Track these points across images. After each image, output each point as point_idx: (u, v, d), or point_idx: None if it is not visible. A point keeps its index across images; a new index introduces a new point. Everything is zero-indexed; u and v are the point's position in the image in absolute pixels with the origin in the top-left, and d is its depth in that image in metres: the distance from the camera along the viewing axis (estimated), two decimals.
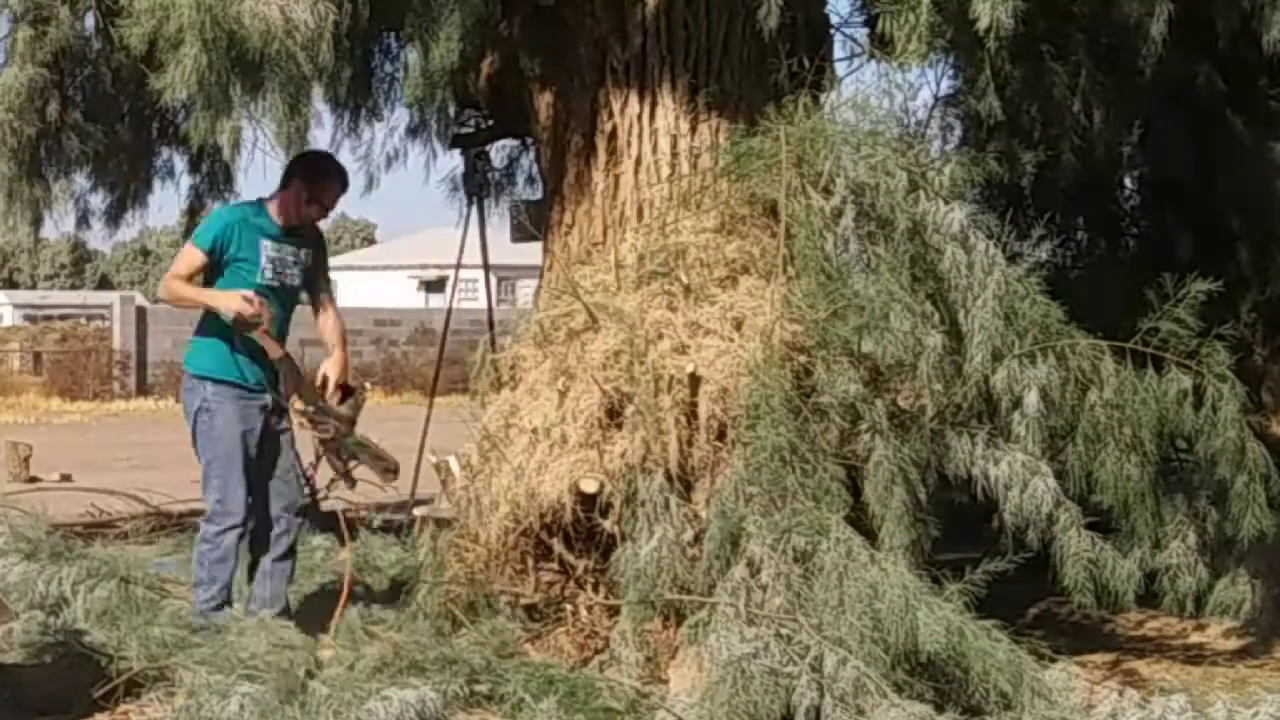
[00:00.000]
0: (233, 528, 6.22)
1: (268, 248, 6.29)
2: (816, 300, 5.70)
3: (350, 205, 79.08)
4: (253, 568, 6.43)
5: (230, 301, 6.13)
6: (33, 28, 7.43)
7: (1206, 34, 7.16)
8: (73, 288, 60.88)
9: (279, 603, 6.34)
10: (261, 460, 6.34)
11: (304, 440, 6.47)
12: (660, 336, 5.93)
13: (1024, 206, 7.91)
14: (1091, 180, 7.92)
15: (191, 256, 6.24)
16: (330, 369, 6.43)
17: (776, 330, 5.70)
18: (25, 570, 6.67)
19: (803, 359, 5.70)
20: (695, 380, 5.77)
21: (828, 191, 5.87)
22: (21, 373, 29.01)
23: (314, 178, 6.37)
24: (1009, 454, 5.61)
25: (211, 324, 6.27)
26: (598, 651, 5.77)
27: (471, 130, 8.38)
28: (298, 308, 6.61)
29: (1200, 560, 6.02)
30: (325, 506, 8.63)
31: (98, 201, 8.91)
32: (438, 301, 39.61)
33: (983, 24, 5.69)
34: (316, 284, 6.61)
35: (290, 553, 6.43)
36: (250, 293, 6.16)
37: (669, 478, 5.62)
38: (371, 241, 68.67)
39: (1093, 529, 5.63)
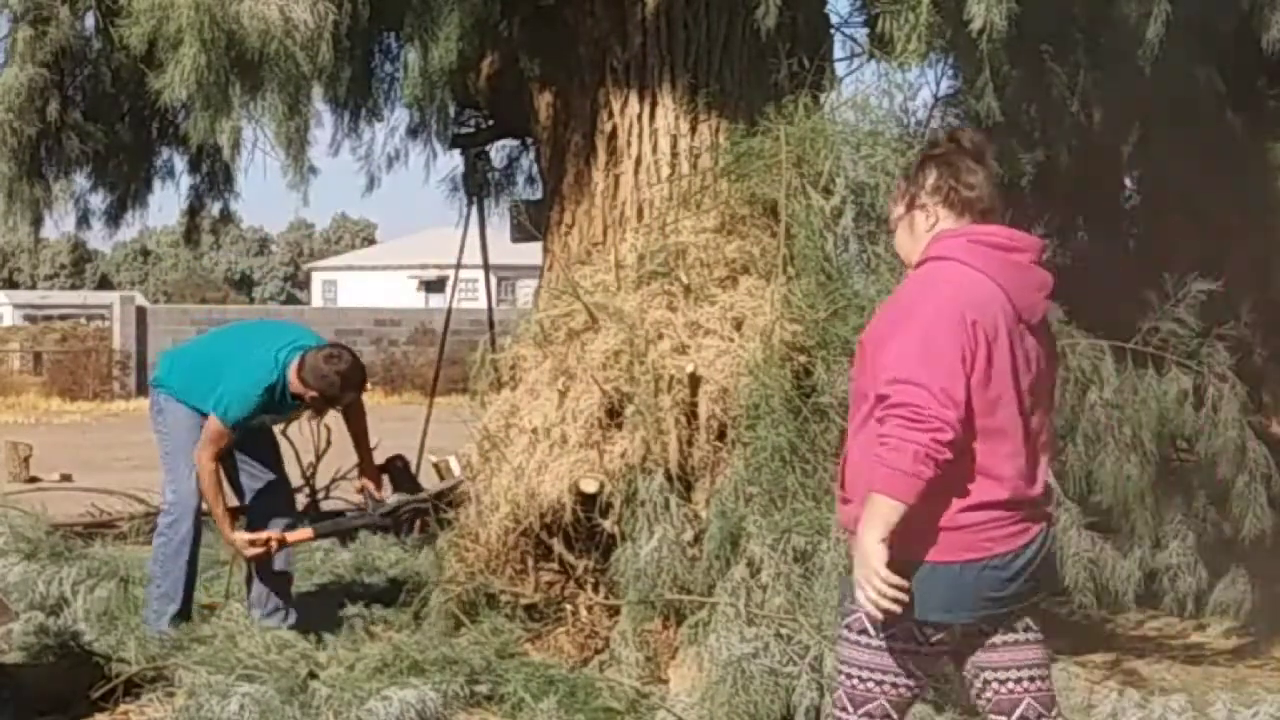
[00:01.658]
0: (183, 518, 6.26)
1: (267, 418, 6.34)
2: (816, 300, 5.70)
3: (350, 205, 79.06)
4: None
5: (242, 549, 6.24)
6: (33, 28, 7.42)
7: (1206, 34, 7.15)
8: (73, 288, 60.86)
9: (264, 603, 6.33)
10: (247, 466, 6.40)
11: (304, 442, 6.47)
12: (660, 336, 5.93)
13: (1024, 206, 7.89)
14: (1091, 180, 7.92)
15: (224, 439, 6.16)
16: (366, 480, 6.52)
17: (776, 330, 5.70)
18: (25, 570, 6.69)
19: (803, 359, 5.70)
20: (695, 380, 5.76)
21: (828, 191, 5.88)
22: (21, 373, 29.00)
23: (333, 394, 6.21)
24: None
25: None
26: (598, 651, 5.76)
27: (471, 130, 8.37)
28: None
29: (1200, 560, 6.02)
30: (325, 506, 8.64)
31: (98, 201, 8.90)
32: (438, 301, 39.61)
33: (976, 25, 5.68)
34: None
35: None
36: (252, 537, 6.22)
37: (669, 478, 5.62)
38: (371, 241, 68.73)
39: (1093, 529, 5.63)
